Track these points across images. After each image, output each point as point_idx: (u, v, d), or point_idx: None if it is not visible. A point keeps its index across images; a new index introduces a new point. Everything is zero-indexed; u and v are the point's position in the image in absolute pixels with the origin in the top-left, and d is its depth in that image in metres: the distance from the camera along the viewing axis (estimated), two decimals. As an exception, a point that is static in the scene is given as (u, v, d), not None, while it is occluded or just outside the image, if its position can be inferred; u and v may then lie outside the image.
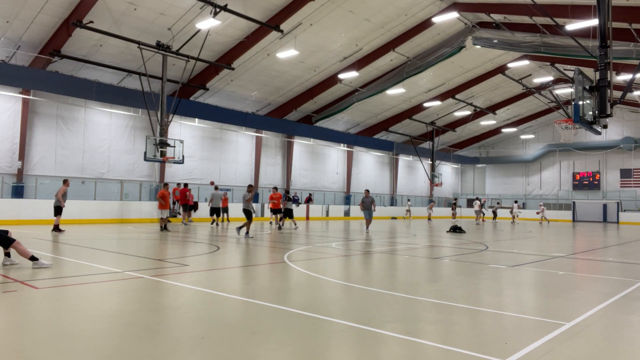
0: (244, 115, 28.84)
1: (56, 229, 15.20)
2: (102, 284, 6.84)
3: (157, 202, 17.62)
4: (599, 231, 24.67)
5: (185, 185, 22.95)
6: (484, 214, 31.71)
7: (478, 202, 31.11)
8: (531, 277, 8.23)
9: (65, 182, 15.82)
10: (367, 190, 19.83)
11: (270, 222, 22.58)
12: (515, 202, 35.64)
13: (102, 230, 17.43)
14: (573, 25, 20.05)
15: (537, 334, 4.53)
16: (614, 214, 38.15)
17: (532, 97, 36.55)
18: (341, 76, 27.37)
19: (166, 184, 18.85)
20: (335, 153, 37.15)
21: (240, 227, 15.40)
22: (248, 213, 14.89)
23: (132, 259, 9.56)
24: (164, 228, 17.10)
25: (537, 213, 34.16)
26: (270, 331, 4.53)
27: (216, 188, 22.20)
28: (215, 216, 21.65)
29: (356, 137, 36.77)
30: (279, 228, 19.08)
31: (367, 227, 19.29)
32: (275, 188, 19.96)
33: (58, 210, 15.42)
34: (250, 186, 15.12)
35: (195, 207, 23.63)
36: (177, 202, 23.43)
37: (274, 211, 19.40)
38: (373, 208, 19.00)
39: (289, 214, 20.30)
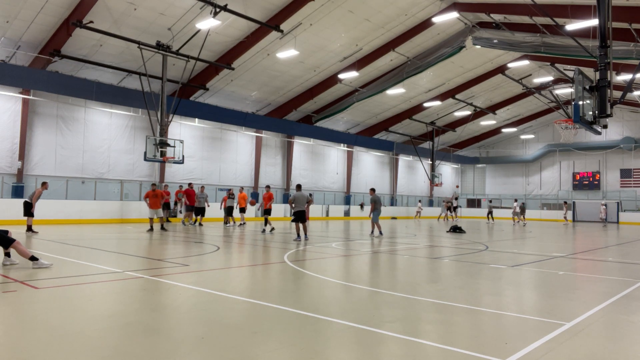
0: (244, 115, 28.83)
1: (30, 229, 15.22)
2: (102, 284, 6.84)
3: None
4: (599, 231, 24.67)
5: (190, 185, 22.88)
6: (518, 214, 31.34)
7: (516, 204, 31.30)
8: (531, 277, 8.23)
9: (44, 184, 15.87)
10: (372, 190, 17.89)
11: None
12: (565, 202, 34.84)
13: (102, 230, 17.43)
14: (573, 25, 20.04)
15: (537, 334, 4.53)
16: (614, 214, 38.12)
17: (532, 97, 36.53)
18: (341, 76, 27.36)
19: (154, 184, 18.42)
20: (335, 153, 37.14)
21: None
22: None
23: (132, 259, 9.56)
24: (151, 229, 16.91)
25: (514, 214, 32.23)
26: (270, 331, 4.53)
27: (202, 190, 22.13)
28: (199, 217, 21.72)
29: (356, 137, 36.76)
30: (267, 231, 17.92)
31: (379, 230, 17.40)
32: (268, 187, 19.59)
33: (30, 210, 15.36)
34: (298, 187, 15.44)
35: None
36: (178, 203, 23.43)
37: (265, 212, 18.86)
38: (373, 207, 17.19)
39: (229, 212, 21.96)
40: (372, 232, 17.39)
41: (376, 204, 17.32)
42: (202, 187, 22.22)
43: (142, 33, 20.68)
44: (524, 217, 31.84)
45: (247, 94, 28.25)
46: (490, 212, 33.28)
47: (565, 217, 34.02)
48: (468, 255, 11.33)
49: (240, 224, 21.83)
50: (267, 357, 3.79)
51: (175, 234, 16.61)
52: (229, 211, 22.21)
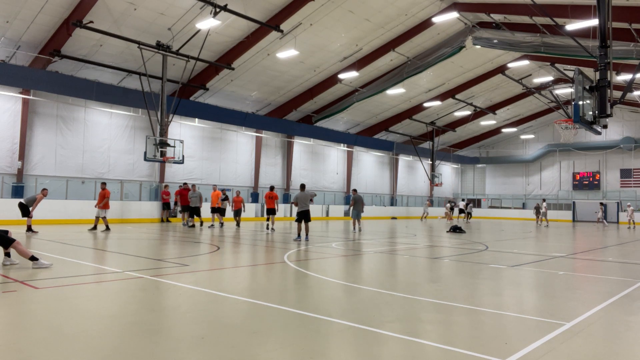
0: (244, 115, 28.83)
1: (29, 229, 15.50)
2: (102, 284, 6.84)
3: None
4: (599, 231, 24.67)
5: (184, 185, 22.83)
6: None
7: (544, 204, 31.11)
8: (531, 277, 8.23)
9: (44, 191, 16.13)
10: (354, 190, 20.61)
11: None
12: (601, 204, 34.41)
13: (102, 230, 17.41)
14: (573, 25, 20.04)
15: (537, 334, 4.53)
16: (614, 214, 38.11)
17: (532, 97, 36.51)
18: (341, 76, 27.35)
19: (104, 183, 17.92)
20: (335, 153, 37.14)
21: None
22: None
23: (132, 259, 9.56)
24: (100, 227, 16.89)
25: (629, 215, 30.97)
26: (270, 331, 4.53)
27: (194, 189, 21.30)
28: (195, 216, 21.01)
29: (356, 137, 36.75)
30: (270, 229, 18.24)
31: (359, 227, 19.42)
32: (272, 187, 19.57)
33: (28, 213, 15.67)
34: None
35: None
36: (178, 203, 23.39)
37: (269, 211, 18.92)
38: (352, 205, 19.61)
39: (219, 211, 21.19)
40: (354, 228, 19.29)
41: (355, 203, 19.50)
42: (194, 186, 21.33)
43: (142, 33, 20.67)
44: (540, 217, 31.44)
45: (247, 94, 28.25)
46: (469, 213, 33.87)
47: (600, 219, 33.60)
48: (468, 255, 11.33)
49: (211, 225, 20.95)
50: (267, 357, 3.79)
51: (175, 234, 16.61)
52: (191, 210, 20.94)
